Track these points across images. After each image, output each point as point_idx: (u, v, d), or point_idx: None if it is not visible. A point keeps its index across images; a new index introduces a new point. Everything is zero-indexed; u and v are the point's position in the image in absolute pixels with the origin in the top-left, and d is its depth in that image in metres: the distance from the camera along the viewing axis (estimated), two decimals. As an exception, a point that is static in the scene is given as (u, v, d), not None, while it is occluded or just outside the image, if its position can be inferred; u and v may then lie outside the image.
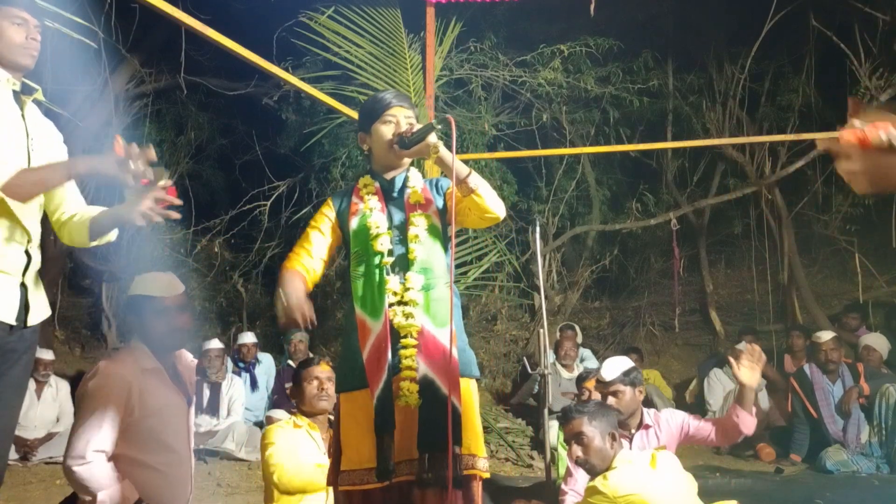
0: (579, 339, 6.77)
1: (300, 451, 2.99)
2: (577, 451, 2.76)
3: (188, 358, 2.83)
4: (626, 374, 3.26)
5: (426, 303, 2.13)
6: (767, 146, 7.51)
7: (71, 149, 2.41)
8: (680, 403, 6.86)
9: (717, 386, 6.23)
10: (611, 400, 3.21)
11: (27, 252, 2.15)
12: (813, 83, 7.81)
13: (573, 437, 2.78)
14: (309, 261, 2.25)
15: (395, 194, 2.27)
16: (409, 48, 5.74)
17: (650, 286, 8.74)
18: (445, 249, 2.24)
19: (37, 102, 2.28)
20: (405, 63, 5.69)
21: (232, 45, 3.32)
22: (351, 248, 2.25)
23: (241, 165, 8.17)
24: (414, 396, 2.06)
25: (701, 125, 8.03)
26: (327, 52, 5.57)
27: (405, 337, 2.11)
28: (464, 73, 6.89)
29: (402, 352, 2.10)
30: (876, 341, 5.78)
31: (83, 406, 2.49)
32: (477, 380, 2.21)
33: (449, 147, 2.13)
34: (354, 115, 4.50)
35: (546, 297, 5.20)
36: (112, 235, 2.36)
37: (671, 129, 8.31)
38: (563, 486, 3.29)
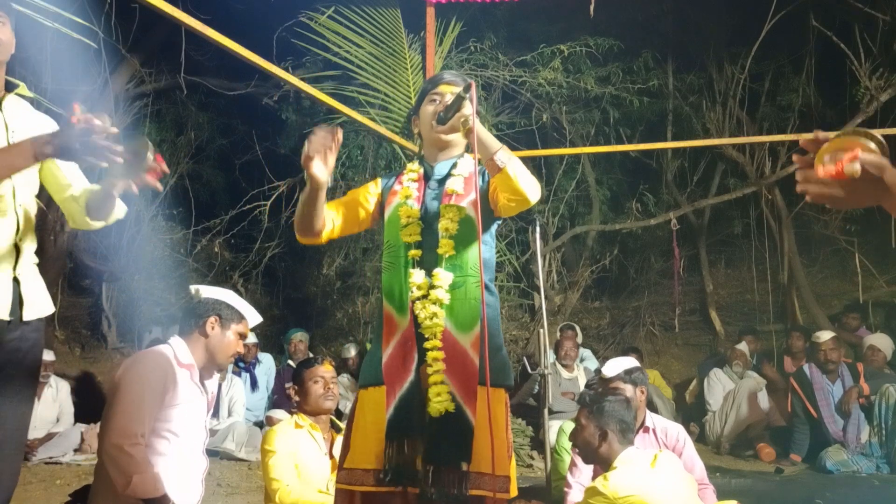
0: (579, 339, 6.77)
1: (302, 455, 2.98)
2: (573, 433, 2.91)
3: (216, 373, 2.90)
4: (628, 372, 3.28)
5: (451, 303, 1.98)
6: (767, 146, 7.50)
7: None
8: (680, 403, 6.86)
9: (717, 386, 6.22)
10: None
11: (16, 245, 2.11)
12: (813, 83, 7.82)
13: (575, 420, 2.94)
14: (333, 213, 2.12)
15: (436, 182, 2.11)
16: (409, 48, 5.74)
17: (650, 286, 8.74)
18: (483, 244, 2.04)
19: (32, 101, 2.25)
20: (405, 63, 5.69)
21: (232, 45, 3.31)
22: (384, 236, 2.10)
23: (241, 165, 8.17)
24: (448, 402, 1.90)
25: (701, 125, 8.03)
26: (327, 52, 5.57)
27: (430, 338, 1.96)
28: (464, 73, 6.88)
29: (430, 354, 1.95)
30: (880, 342, 5.78)
31: (125, 390, 2.48)
32: (508, 389, 2.03)
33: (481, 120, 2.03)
34: (355, 114, 4.50)
35: (546, 297, 5.19)
36: (118, 212, 2.28)
37: (671, 129, 8.32)
38: (567, 477, 3.28)
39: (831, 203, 1.23)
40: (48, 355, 5.82)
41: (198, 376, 2.69)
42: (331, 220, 2.11)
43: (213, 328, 2.69)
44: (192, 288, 2.87)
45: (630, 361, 3.39)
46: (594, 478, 2.83)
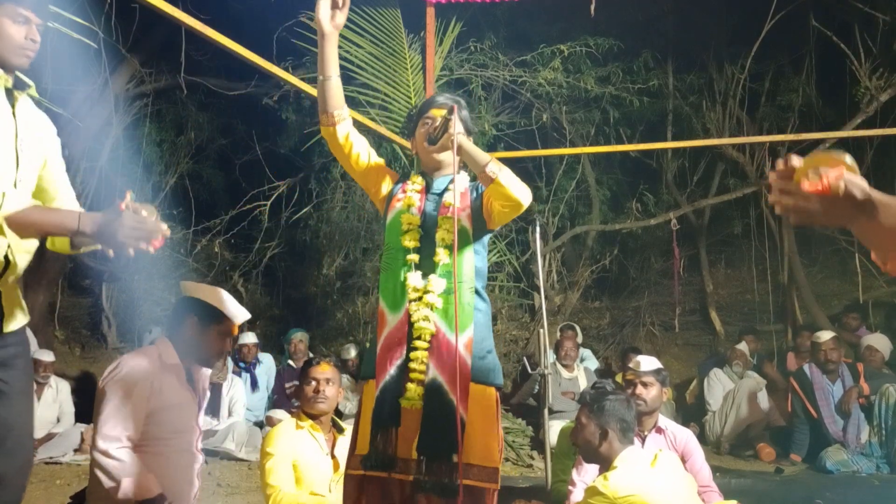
0: (579, 339, 6.77)
1: (302, 455, 2.97)
2: (574, 431, 2.94)
3: (204, 368, 2.84)
4: (658, 371, 3.45)
5: (445, 307, 2.16)
6: (767, 146, 7.51)
7: (71, 150, 2.37)
8: (680, 403, 6.86)
9: (717, 386, 6.22)
10: (639, 389, 3.35)
11: (6, 256, 2.03)
12: (813, 83, 7.82)
13: (575, 419, 2.96)
14: (360, 138, 2.38)
15: (435, 195, 2.32)
16: (409, 48, 5.74)
17: (650, 286, 8.75)
18: (475, 254, 2.26)
19: (34, 100, 2.21)
20: (405, 63, 5.69)
21: (232, 45, 3.31)
22: (384, 238, 2.31)
23: (241, 165, 8.17)
24: (418, 399, 2.10)
25: (701, 125, 8.03)
26: (327, 52, 5.55)
27: (418, 338, 2.15)
28: (464, 73, 6.89)
29: (413, 353, 2.13)
30: (878, 342, 5.77)
31: (109, 396, 2.49)
32: (498, 388, 2.22)
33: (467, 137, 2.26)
34: (354, 114, 4.49)
35: (546, 297, 5.19)
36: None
37: (671, 129, 8.32)
38: (573, 475, 3.29)
39: (803, 218, 1.26)
40: (48, 356, 5.82)
41: (185, 376, 2.65)
42: (350, 126, 2.32)
43: (192, 328, 2.66)
44: (181, 284, 2.84)
45: (658, 363, 3.55)
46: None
